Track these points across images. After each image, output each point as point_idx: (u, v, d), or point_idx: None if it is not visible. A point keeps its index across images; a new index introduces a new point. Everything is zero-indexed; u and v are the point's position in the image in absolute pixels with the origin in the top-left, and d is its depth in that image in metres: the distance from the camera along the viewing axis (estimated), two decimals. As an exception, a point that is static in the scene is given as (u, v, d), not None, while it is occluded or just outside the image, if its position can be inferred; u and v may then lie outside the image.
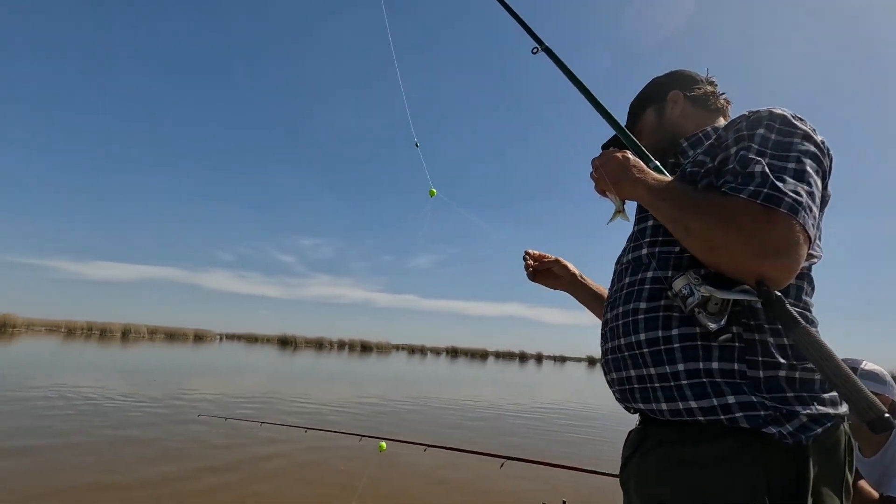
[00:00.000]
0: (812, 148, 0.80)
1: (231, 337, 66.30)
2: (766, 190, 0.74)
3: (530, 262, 1.43)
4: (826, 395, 0.80)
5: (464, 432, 7.50)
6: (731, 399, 0.76)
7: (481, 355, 69.79)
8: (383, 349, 62.25)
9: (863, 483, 1.52)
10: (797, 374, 0.79)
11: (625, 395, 0.93)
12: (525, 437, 7.55)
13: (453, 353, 70.67)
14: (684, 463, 0.78)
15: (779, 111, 0.83)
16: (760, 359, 0.78)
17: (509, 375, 26.93)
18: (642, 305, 0.88)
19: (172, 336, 51.36)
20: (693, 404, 0.79)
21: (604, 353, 0.99)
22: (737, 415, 0.75)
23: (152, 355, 22.64)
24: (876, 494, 1.51)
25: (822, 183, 0.81)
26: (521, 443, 6.96)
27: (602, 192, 1.00)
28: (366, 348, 60.47)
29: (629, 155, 0.94)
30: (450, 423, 8.34)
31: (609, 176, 0.94)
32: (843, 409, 0.80)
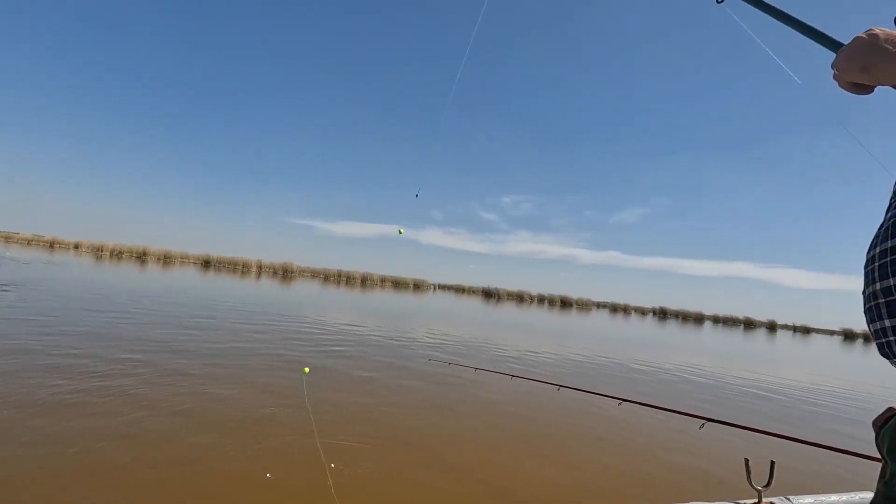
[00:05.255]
0: None
1: (443, 287, 74.15)
2: None
3: None
4: None
5: (664, 390, 7.05)
6: None
7: (696, 319, 62.75)
8: (584, 306, 61.34)
9: None
10: None
11: (882, 349, 0.81)
12: (748, 408, 6.69)
13: (661, 314, 65.23)
14: None
15: None
16: None
17: (732, 344, 23.70)
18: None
19: (397, 284, 60.23)
20: None
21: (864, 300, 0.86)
22: None
23: (388, 299, 27.04)
24: None
25: None
26: (741, 413, 6.21)
27: (852, 89, 0.85)
28: (566, 304, 60.57)
29: (877, 31, 0.79)
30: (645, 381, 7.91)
31: (853, 60, 0.81)
32: None
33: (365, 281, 58.64)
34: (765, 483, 1.60)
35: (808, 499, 1.65)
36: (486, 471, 3.43)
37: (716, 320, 64.62)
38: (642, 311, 67.97)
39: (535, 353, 10.36)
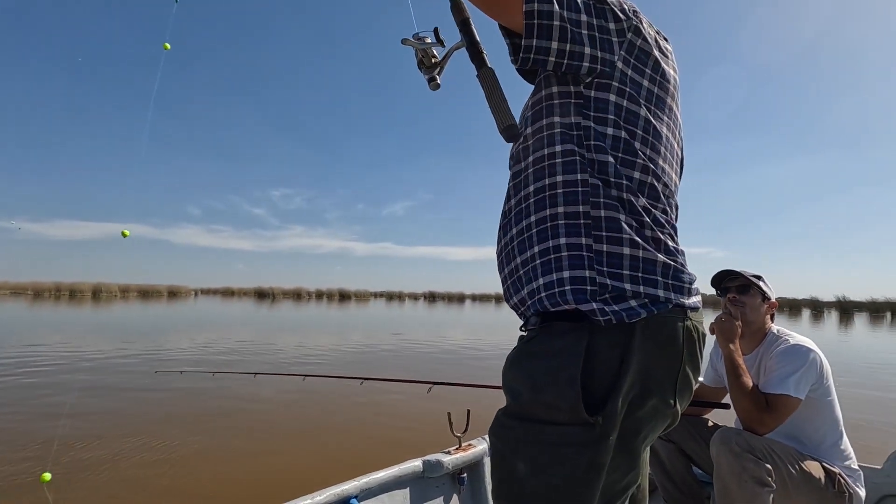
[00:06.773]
0: None
1: (207, 292, 65.79)
2: None
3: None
4: (662, 279, 0.79)
5: (400, 362, 7.90)
6: (566, 274, 0.78)
7: (458, 299, 71.30)
8: (362, 297, 62.85)
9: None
10: (640, 253, 0.79)
11: (505, 295, 0.97)
12: (464, 366, 8.00)
13: (431, 298, 71.93)
14: (530, 354, 0.83)
15: None
16: (605, 233, 0.79)
17: (482, 316, 27.79)
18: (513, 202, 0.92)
19: (146, 294, 50.64)
20: (541, 281, 0.81)
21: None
22: (567, 287, 0.78)
23: (125, 313, 22.44)
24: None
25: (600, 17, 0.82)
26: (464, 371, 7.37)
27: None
28: (344, 297, 60.96)
29: None
30: (386, 358, 8.73)
31: None
32: (686, 300, 0.81)
33: (98, 293, 47.38)
34: (463, 430, 1.95)
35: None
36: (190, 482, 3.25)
37: (473, 298, 74.71)
38: (415, 297, 73.64)
39: (301, 347, 10.18)
